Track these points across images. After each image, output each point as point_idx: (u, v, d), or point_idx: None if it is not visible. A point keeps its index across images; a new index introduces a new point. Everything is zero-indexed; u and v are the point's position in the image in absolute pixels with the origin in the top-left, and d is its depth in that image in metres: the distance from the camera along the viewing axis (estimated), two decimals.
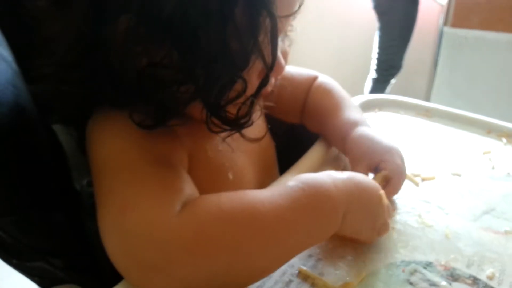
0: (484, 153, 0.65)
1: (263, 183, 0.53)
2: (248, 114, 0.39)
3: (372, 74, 2.16)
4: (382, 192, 0.42)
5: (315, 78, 0.64)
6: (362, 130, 0.55)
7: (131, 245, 0.33)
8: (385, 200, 0.42)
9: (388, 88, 2.20)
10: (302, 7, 0.41)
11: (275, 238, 0.35)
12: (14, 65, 0.45)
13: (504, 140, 0.69)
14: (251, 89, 0.39)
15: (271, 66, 0.38)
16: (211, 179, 0.46)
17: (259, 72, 0.40)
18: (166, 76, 0.36)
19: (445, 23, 1.50)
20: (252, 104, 0.39)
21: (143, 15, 0.34)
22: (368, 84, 2.19)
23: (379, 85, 2.16)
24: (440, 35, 1.62)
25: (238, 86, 0.37)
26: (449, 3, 1.47)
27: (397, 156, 0.52)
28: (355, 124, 0.56)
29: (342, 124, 0.57)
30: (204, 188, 0.39)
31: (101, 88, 0.38)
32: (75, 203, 0.48)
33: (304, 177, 0.38)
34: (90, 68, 0.37)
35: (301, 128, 0.65)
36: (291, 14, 0.40)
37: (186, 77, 0.36)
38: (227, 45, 0.35)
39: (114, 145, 0.39)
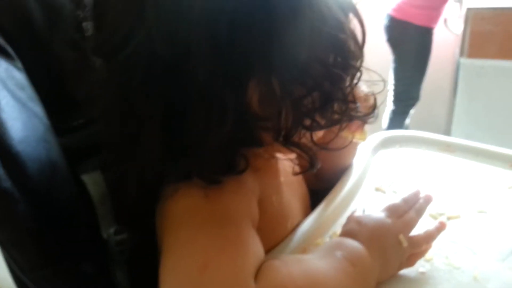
0: (509, 188, 0.64)
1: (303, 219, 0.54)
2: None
3: (390, 106, 2.16)
4: (401, 236, 0.45)
5: None
6: None
7: None
8: (405, 242, 0.45)
9: (407, 120, 2.19)
10: None
11: None
12: (45, 119, 0.47)
13: None
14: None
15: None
16: (272, 228, 0.48)
17: None
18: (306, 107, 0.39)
19: (461, 54, 1.50)
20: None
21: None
22: (387, 116, 2.19)
23: (398, 117, 2.16)
24: (457, 64, 1.62)
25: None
26: (464, 34, 1.48)
27: None
28: None
29: None
30: (264, 235, 0.42)
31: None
32: (103, 252, 0.49)
33: (348, 250, 0.42)
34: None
35: None
36: None
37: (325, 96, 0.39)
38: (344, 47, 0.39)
39: (189, 201, 0.40)
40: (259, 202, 0.45)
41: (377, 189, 0.64)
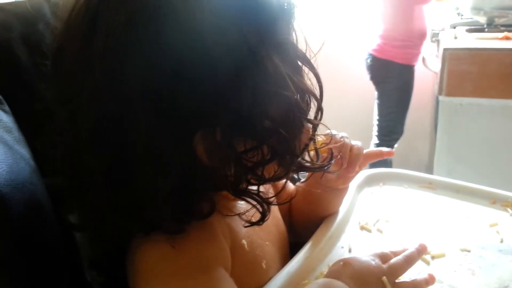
0: (491, 225, 0.65)
1: (282, 263, 0.54)
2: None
3: (375, 140, 2.20)
4: (384, 278, 0.45)
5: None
6: None
7: None
8: (388, 286, 0.45)
9: None
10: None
11: None
12: (31, 161, 0.47)
13: (510, 210, 0.69)
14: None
15: (321, 96, 0.42)
16: (248, 270, 0.48)
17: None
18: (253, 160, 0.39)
19: (439, 92, 1.55)
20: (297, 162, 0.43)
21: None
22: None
23: None
24: (437, 101, 1.68)
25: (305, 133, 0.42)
26: (442, 73, 1.54)
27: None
28: None
29: None
30: (242, 279, 0.42)
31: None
32: None
33: None
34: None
35: None
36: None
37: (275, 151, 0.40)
38: (297, 101, 0.39)
39: (157, 254, 0.40)
40: (231, 246, 0.46)
41: (362, 228, 0.64)
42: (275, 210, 0.59)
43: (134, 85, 0.35)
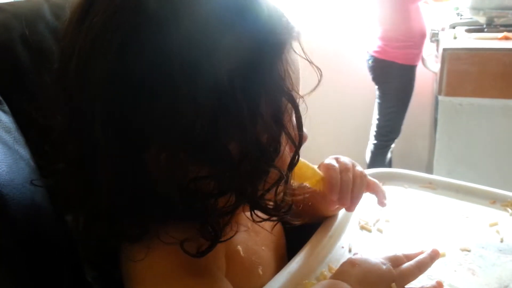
0: (491, 225, 0.65)
1: (279, 267, 0.53)
2: (286, 196, 0.41)
3: (372, 140, 2.21)
4: (393, 284, 0.44)
5: None
6: None
7: None
8: None
9: (389, 154, 2.23)
10: (303, 79, 0.44)
11: None
12: (31, 162, 0.47)
13: (510, 210, 0.69)
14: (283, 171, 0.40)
15: (299, 143, 0.40)
16: (244, 276, 0.47)
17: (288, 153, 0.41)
18: (205, 189, 0.37)
19: (439, 92, 1.55)
20: (286, 185, 0.41)
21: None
22: (369, 150, 2.23)
23: (380, 151, 2.20)
24: (436, 101, 1.68)
25: (273, 174, 0.39)
26: (441, 73, 1.54)
27: (331, 158, 0.54)
28: None
29: None
30: (238, 286, 0.42)
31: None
32: None
33: None
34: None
35: None
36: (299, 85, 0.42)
37: (226, 186, 0.37)
38: (259, 142, 0.37)
39: (151, 260, 0.40)
40: (226, 252, 0.45)
41: (362, 228, 0.64)
42: None
43: (93, 96, 0.35)
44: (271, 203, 0.41)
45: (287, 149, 0.40)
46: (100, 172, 0.37)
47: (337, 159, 0.57)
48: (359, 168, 0.58)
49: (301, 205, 0.52)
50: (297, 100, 0.40)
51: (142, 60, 0.34)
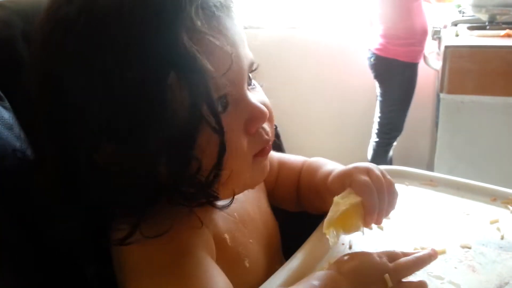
0: (491, 222, 0.65)
1: (272, 267, 0.53)
2: (212, 183, 0.40)
3: (374, 138, 2.20)
4: (386, 275, 0.45)
5: (305, 161, 0.66)
6: (338, 168, 0.56)
7: None
8: (390, 283, 0.45)
9: (391, 151, 2.23)
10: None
11: None
12: (31, 158, 0.47)
13: (511, 207, 0.69)
14: (210, 160, 0.40)
15: (221, 130, 0.38)
16: (229, 267, 0.47)
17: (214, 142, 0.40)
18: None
19: (441, 90, 1.55)
20: (215, 175, 0.40)
21: None
22: (371, 148, 2.23)
23: (381, 148, 2.20)
24: (438, 98, 1.67)
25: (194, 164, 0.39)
26: (443, 70, 1.53)
27: (363, 172, 0.51)
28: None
29: (325, 177, 0.57)
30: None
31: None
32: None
33: (325, 280, 0.43)
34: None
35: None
36: (228, 70, 0.40)
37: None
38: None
39: (145, 250, 0.41)
40: (214, 237, 0.46)
41: None
42: (264, 206, 0.59)
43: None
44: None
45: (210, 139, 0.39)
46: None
47: (368, 172, 0.52)
48: (388, 176, 0.54)
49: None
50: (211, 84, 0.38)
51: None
